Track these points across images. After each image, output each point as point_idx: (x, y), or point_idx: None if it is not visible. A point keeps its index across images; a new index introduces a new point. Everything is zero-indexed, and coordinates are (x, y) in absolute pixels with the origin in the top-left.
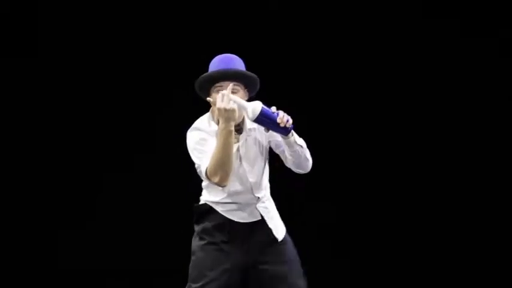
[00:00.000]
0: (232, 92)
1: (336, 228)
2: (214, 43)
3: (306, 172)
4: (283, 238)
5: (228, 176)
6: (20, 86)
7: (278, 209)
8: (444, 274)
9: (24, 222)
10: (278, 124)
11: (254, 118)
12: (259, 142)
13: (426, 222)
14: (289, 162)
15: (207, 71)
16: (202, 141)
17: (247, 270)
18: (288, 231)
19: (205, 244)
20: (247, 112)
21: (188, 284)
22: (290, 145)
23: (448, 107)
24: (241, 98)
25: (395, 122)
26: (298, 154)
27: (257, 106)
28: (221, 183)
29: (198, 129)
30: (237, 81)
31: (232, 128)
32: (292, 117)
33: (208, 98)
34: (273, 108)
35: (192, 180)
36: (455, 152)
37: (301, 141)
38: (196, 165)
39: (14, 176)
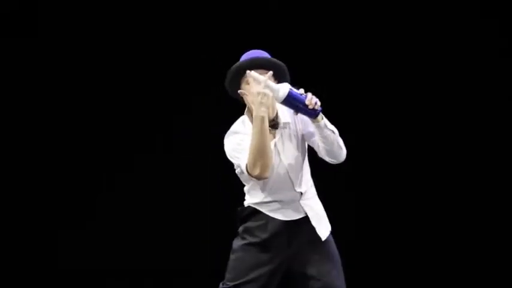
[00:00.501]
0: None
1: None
2: (214, 43)
3: (339, 162)
4: (327, 238)
5: (268, 167)
6: (21, 86)
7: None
8: (444, 274)
9: (24, 222)
10: (307, 106)
11: (282, 99)
12: (295, 136)
13: (426, 223)
14: (321, 150)
15: (207, 70)
16: (239, 141)
17: (287, 269)
18: None
19: (246, 244)
20: (275, 94)
21: (224, 282)
22: (320, 129)
23: (448, 107)
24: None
25: (395, 123)
26: (331, 140)
27: (285, 87)
28: (262, 175)
29: (234, 132)
30: (271, 70)
31: (266, 114)
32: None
33: (240, 90)
34: (301, 90)
35: (192, 180)
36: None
37: (332, 127)
38: (236, 168)
39: (14, 176)
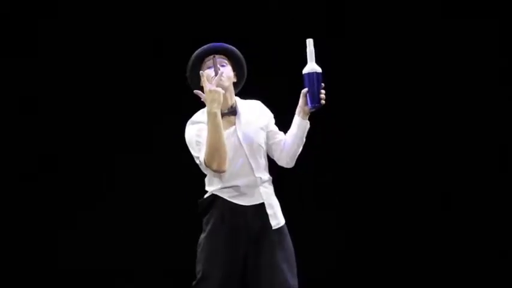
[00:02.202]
0: (220, 65)
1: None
2: (214, 42)
3: (291, 167)
4: (280, 228)
5: (225, 160)
6: (21, 86)
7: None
8: (444, 274)
9: (24, 222)
10: (319, 93)
11: (308, 72)
12: (256, 125)
13: (427, 223)
14: (285, 152)
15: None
16: (198, 132)
17: (246, 257)
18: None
19: (209, 234)
20: (309, 64)
21: (197, 275)
22: (303, 129)
23: (446, 108)
24: (229, 72)
25: (396, 122)
26: (299, 144)
27: (318, 68)
28: (220, 169)
29: (193, 122)
30: (223, 55)
31: (217, 110)
32: (290, 118)
33: (195, 91)
34: (322, 84)
35: (192, 180)
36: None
37: None
38: (196, 159)
39: (14, 176)
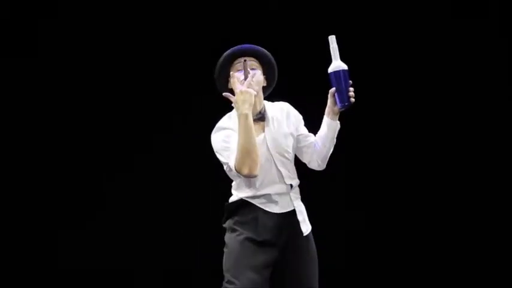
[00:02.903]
0: (251, 68)
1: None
2: (214, 43)
3: (322, 169)
4: (308, 234)
5: (257, 165)
6: (21, 86)
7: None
8: (445, 274)
9: (24, 222)
10: (348, 91)
11: (334, 70)
12: (285, 129)
13: (427, 224)
14: (316, 154)
15: (207, 70)
16: (226, 138)
17: (275, 263)
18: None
19: (239, 236)
20: (334, 62)
21: (224, 275)
22: (334, 130)
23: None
24: (258, 78)
25: (395, 123)
26: (331, 145)
27: (344, 65)
28: (252, 173)
29: (220, 128)
30: (253, 58)
31: (248, 112)
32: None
33: (224, 94)
34: (350, 81)
35: (193, 180)
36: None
37: None
38: (224, 165)
39: (14, 176)
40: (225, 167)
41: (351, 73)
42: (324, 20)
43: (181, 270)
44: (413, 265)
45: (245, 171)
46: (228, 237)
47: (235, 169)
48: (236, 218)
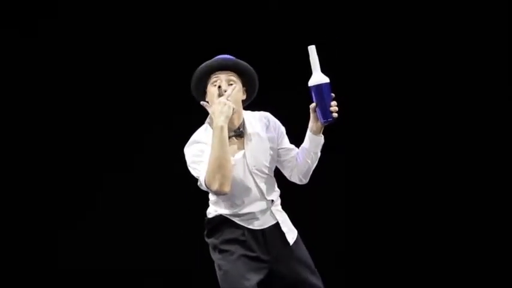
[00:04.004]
0: (229, 84)
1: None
2: (213, 43)
3: (304, 184)
4: (296, 239)
5: (228, 181)
6: (20, 86)
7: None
8: (444, 274)
9: (24, 222)
10: (329, 106)
11: (315, 84)
12: (265, 144)
13: (428, 224)
14: (297, 168)
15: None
16: (200, 152)
17: (271, 276)
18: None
19: (231, 255)
20: (314, 75)
21: None
22: (317, 145)
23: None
24: (238, 91)
25: (395, 123)
26: (313, 160)
27: (325, 78)
28: (221, 189)
29: (194, 142)
30: (233, 72)
31: (224, 124)
32: (291, 120)
33: (202, 102)
34: (332, 95)
35: (193, 180)
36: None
37: None
38: (197, 179)
39: (14, 176)
40: (198, 183)
41: (348, 74)
42: (324, 20)
43: (181, 270)
44: (413, 267)
45: (215, 186)
46: (219, 258)
47: (205, 184)
48: (222, 237)
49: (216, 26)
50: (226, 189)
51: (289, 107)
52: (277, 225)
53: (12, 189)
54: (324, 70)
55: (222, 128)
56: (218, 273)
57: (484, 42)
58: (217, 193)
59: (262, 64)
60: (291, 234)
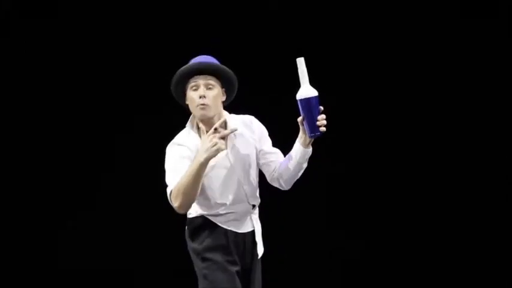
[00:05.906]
0: (207, 88)
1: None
2: (213, 43)
3: (285, 189)
4: (259, 257)
5: (188, 207)
6: (19, 87)
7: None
8: (445, 274)
9: (24, 222)
10: (316, 120)
11: (303, 98)
12: (249, 147)
13: (428, 224)
14: (278, 173)
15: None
16: (180, 159)
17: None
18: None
19: (214, 264)
20: (302, 87)
21: None
22: (303, 156)
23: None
24: (216, 95)
25: (395, 123)
26: (298, 170)
27: (313, 91)
28: (178, 210)
29: (176, 143)
30: (212, 76)
31: (206, 162)
32: (288, 120)
33: (216, 125)
34: (320, 108)
35: None
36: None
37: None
38: (166, 182)
39: (14, 176)
40: (166, 184)
41: (348, 74)
42: (324, 20)
43: (181, 270)
44: (412, 269)
45: (175, 204)
46: (203, 266)
47: (169, 196)
48: (204, 244)
49: (216, 26)
50: (184, 211)
51: (289, 107)
52: (252, 234)
53: (12, 189)
54: (324, 70)
55: (202, 164)
56: (203, 281)
57: (484, 43)
58: (175, 209)
59: (261, 64)
60: (261, 248)
